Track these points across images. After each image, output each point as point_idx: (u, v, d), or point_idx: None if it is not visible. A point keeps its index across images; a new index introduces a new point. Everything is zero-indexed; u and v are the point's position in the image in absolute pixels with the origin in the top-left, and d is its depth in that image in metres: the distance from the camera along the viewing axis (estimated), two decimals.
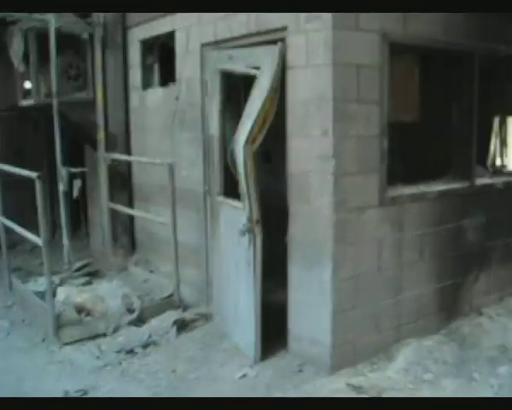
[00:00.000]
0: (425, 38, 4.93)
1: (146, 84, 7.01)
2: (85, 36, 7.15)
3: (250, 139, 4.61)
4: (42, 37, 6.76)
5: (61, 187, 6.98)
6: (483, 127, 5.85)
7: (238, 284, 5.11)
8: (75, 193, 7.15)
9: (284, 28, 4.67)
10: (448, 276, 5.46)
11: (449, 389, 4.42)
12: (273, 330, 5.13)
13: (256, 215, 4.75)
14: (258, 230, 4.76)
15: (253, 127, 4.59)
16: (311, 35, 4.46)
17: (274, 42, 4.66)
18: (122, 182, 7.43)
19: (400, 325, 5.08)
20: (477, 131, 5.58)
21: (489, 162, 6.32)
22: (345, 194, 4.51)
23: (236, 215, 5.00)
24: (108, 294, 5.98)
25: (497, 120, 6.30)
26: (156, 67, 6.96)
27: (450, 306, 5.53)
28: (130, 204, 7.46)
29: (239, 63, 5.10)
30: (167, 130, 6.47)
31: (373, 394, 4.28)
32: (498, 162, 6.73)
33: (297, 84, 4.62)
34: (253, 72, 4.85)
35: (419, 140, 5.82)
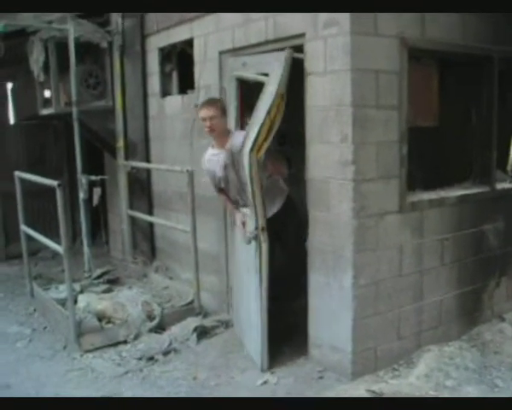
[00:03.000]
0: (443, 43, 4.91)
1: (164, 91, 7.05)
2: (104, 44, 7.23)
3: (256, 147, 4.55)
4: (61, 46, 6.84)
5: (81, 195, 7.03)
6: (503, 131, 5.80)
7: (249, 291, 5.09)
8: (95, 201, 7.20)
9: (302, 35, 4.68)
10: (469, 282, 5.41)
11: (471, 395, 4.36)
12: (294, 337, 5.14)
13: (262, 222, 4.71)
14: (263, 237, 4.72)
15: (258, 134, 4.53)
16: (329, 41, 4.46)
17: (293, 49, 4.67)
18: (141, 189, 7.47)
19: (421, 331, 5.05)
20: (497, 136, 5.55)
21: (509, 167, 6.27)
22: (364, 200, 4.50)
23: (247, 222, 5.00)
24: (129, 301, 6.01)
25: None
26: (174, 75, 6.99)
27: (471, 312, 5.49)
28: (150, 211, 7.50)
29: (251, 70, 5.10)
30: (186, 137, 6.49)
31: None
32: None
33: (316, 91, 4.62)
34: (261, 78, 4.84)
35: (438, 145, 5.79)
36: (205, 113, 5.15)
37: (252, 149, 4.54)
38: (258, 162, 4.63)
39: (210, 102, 5.23)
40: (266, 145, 4.62)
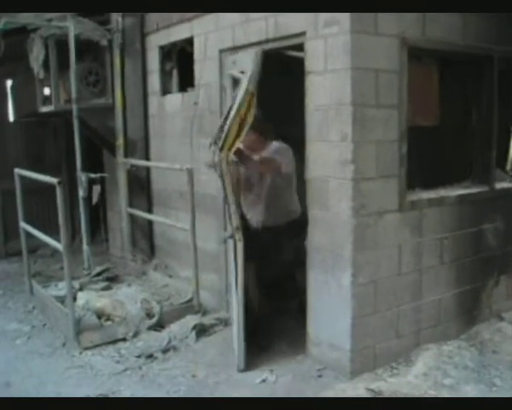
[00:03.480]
0: (443, 42, 4.91)
1: (164, 89, 7.05)
2: (104, 42, 7.22)
3: (226, 145, 4.48)
4: (61, 44, 6.85)
5: (81, 192, 7.04)
6: (502, 130, 5.81)
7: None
8: (95, 199, 7.19)
9: (302, 33, 4.68)
10: (468, 281, 5.42)
11: (470, 394, 4.37)
12: (293, 335, 5.15)
13: (235, 222, 4.71)
14: (238, 236, 4.71)
15: (228, 133, 4.47)
16: (329, 40, 4.46)
17: (293, 47, 4.67)
18: (141, 187, 7.48)
19: (420, 329, 5.06)
20: (497, 135, 5.55)
21: (509, 166, 6.27)
22: (364, 199, 4.50)
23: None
24: (128, 299, 6.01)
25: None
26: (175, 73, 6.99)
27: (469, 311, 5.50)
28: (149, 209, 7.50)
29: (236, 68, 5.09)
30: (186, 135, 6.49)
31: None
32: None
33: (315, 90, 4.63)
34: (238, 76, 4.83)
35: (438, 144, 5.80)
36: None
37: (222, 148, 4.50)
38: (229, 161, 4.59)
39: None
40: (237, 144, 4.56)
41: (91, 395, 4.51)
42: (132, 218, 7.56)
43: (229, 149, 4.52)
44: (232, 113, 4.47)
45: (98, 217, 8.21)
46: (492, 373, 4.72)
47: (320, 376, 4.75)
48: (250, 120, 4.48)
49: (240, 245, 4.72)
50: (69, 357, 5.26)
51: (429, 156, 5.71)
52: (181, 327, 5.67)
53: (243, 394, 4.53)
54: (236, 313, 4.88)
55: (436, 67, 5.30)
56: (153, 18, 6.96)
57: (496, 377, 4.65)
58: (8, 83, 8.71)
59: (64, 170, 8.95)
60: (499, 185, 5.68)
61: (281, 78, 6.25)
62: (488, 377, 4.67)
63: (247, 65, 4.57)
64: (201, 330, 5.61)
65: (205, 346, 5.42)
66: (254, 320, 5.24)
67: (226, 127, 4.49)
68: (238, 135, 4.49)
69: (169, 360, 5.18)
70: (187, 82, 6.58)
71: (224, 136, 4.49)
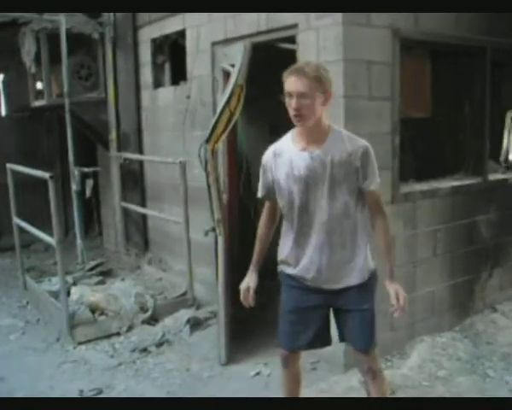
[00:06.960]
0: (436, 34, 4.90)
1: (157, 82, 7.01)
2: (96, 36, 7.20)
3: (213, 138, 4.44)
4: (53, 37, 6.82)
5: (74, 187, 7.02)
6: (495, 122, 5.81)
7: None
8: (88, 193, 7.18)
9: (295, 25, 4.66)
10: (461, 272, 5.43)
11: (463, 386, 4.40)
12: None
13: (217, 215, 4.68)
14: (220, 230, 4.69)
15: (215, 125, 4.43)
16: (321, 32, 4.45)
17: (285, 40, 4.65)
18: (134, 181, 7.45)
19: (414, 322, 5.05)
20: (489, 127, 5.55)
21: (502, 158, 6.28)
22: None
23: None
24: (122, 293, 6.01)
25: (509, 115, 6.26)
26: (167, 66, 6.95)
27: (463, 302, 5.50)
28: (143, 203, 7.47)
29: (227, 61, 5.06)
30: (179, 128, 6.47)
31: None
32: (511, 157, 6.69)
33: None
34: (227, 68, 4.81)
35: (431, 136, 5.79)
36: (292, 85, 3.09)
37: (208, 140, 4.45)
38: (213, 154, 4.53)
39: (301, 71, 3.09)
40: (224, 137, 4.54)
41: (85, 390, 4.50)
42: (126, 212, 7.54)
43: (216, 142, 4.49)
44: (221, 105, 4.44)
45: (92, 211, 8.21)
46: (486, 364, 4.74)
47: (314, 369, 4.75)
48: (238, 113, 4.46)
49: (221, 239, 4.70)
50: (63, 352, 5.25)
51: (422, 148, 5.71)
52: (175, 321, 5.67)
53: (237, 387, 4.54)
54: (218, 308, 4.87)
55: (428, 58, 5.30)
56: None
57: (489, 369, 4.67)
58: (0, 77, 8.68)
59: (57, 165, 8.92)
60: (492, 177, 5.69)
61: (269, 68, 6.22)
62: (482, 368, 4.69)
63: (236, 58, 4.54)
64: (195, 324, 5.60)
65: (199, 339, 5.41)
66: (247, 315, 5.22)
67: (214, 119, 4.46)
68: (226, 128, 4.46)
69: (163, 354, 5.17)
70: (179, 75, 6.55)
71: (211, 128, 4.46)
